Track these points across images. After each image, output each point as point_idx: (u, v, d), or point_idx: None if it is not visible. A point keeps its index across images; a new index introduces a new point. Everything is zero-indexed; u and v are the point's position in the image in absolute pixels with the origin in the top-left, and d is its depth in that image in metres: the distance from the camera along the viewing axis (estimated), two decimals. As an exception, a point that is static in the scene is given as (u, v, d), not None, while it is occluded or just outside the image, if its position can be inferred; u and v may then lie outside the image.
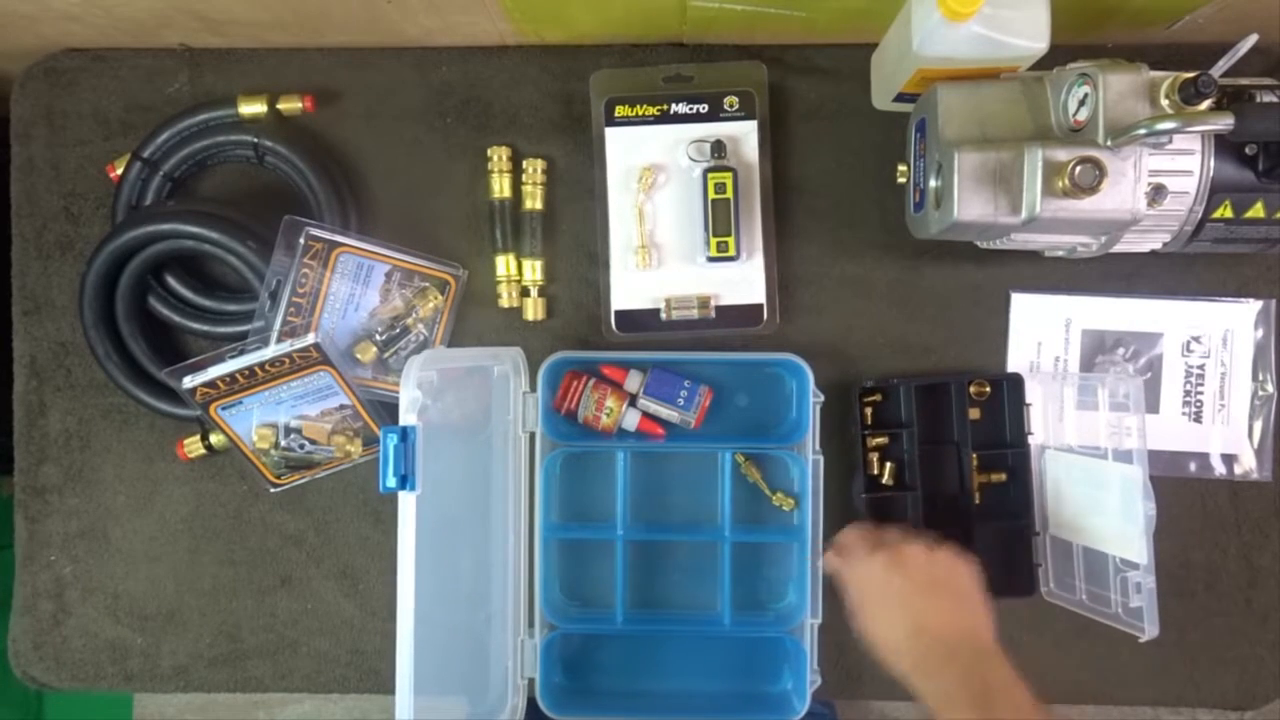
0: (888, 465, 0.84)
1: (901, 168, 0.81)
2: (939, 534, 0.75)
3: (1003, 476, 0.83)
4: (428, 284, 0.84)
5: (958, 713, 0.62)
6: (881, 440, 0.84)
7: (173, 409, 0.83)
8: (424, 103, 0.87)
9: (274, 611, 0.87)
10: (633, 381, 0.83)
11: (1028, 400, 0.83)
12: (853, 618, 0.71)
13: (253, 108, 0.83)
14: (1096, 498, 0.79)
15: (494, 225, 0.85)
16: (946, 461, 0.84)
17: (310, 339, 0.78)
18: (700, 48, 0.86)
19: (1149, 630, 0.74)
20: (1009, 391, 0.83)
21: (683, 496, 0.85)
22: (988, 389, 0.84)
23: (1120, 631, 0.76)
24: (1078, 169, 0.65)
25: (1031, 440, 0.83)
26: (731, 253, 0.82)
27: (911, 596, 0.68)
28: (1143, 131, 0.64)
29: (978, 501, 0.83)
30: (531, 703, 0.82)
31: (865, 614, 0.70)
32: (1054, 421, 0.84)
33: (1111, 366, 0.85)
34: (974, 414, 0.83)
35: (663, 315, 0.84)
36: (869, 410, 0.84)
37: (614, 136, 0.84)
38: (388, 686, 0.85)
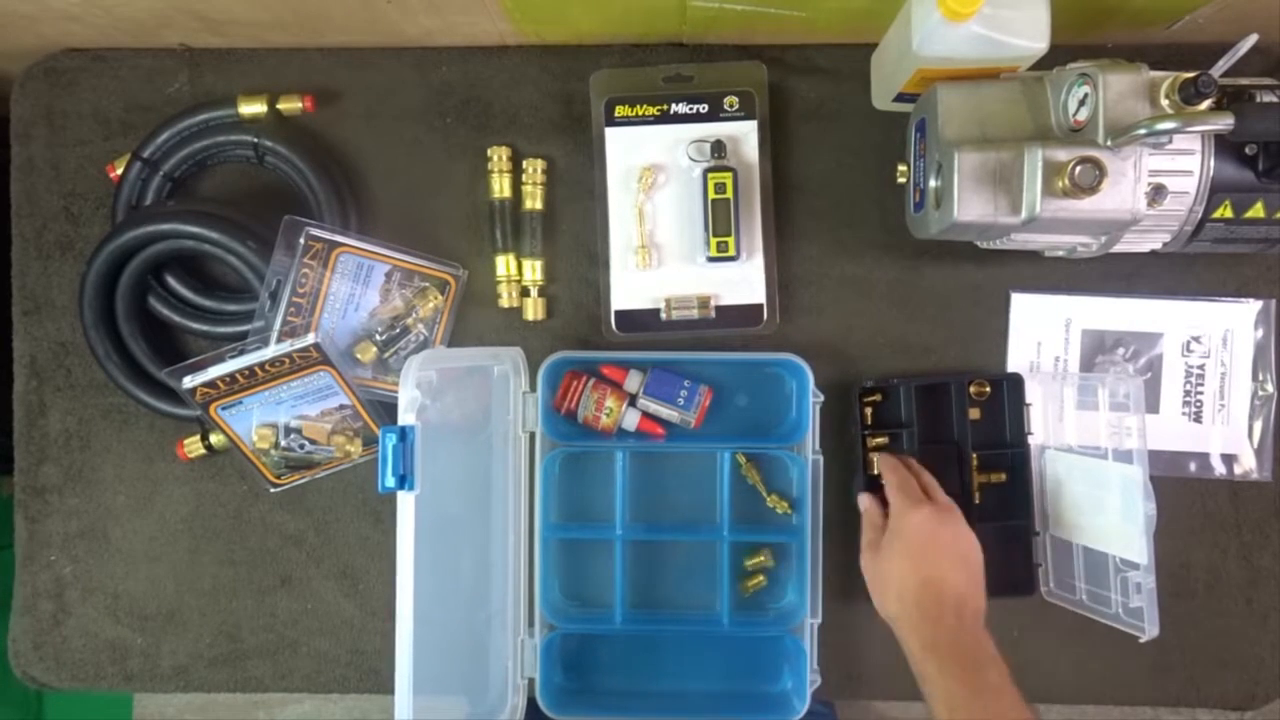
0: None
1: (901, 168, 0.81)
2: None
3: (1003, 476, 0.83)
4: (428, 284, 0.84)
5: (942, 661, 0.66)
6: (881, 440, 0.84)
7: (173, 409, 0.83)
8: (424, 103, 0.87)
9: (274, 611, 0.87)
10: (633, 381, 0.83)
11: (1028, 400, 0.83)
12: (867, 550, 0.75)
13: (253, 108, 0.83)
14: (1097, 497, 0.79)
15: (494, 225, 0.85)
16: (946, 461, 0.84)
17: (310, 339, 0.78)
18: (700, 48, 0.86)
19: (1149, 630, 0.74)
20: (1009, 391, 0.83)
21: (682, 496, 0.85)
22: (988, 389, 0.84)
23: (1120, 631, 0.76)
24: (1078, 169, 0.65)
25: (1031, 440, 0.83)
26: (731, 253, 0.82)
27: (936, 553, 0.71)
28: (1143, 131, 0.64)
29: (978, 501, 0.83)
30: (531, 703, 0.82)
31: (887, 551, 0.73)
32: (1054, 421, 0.84)
33: (1111, 366, 0.85)
34: (974, 414, 0.83)
35: (663, 315, 0.84)
36: (869, 410, 0.84)
37: (614, 136, 0.84)
38: (388, 686, 0.85)
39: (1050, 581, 0.83)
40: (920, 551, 0.72)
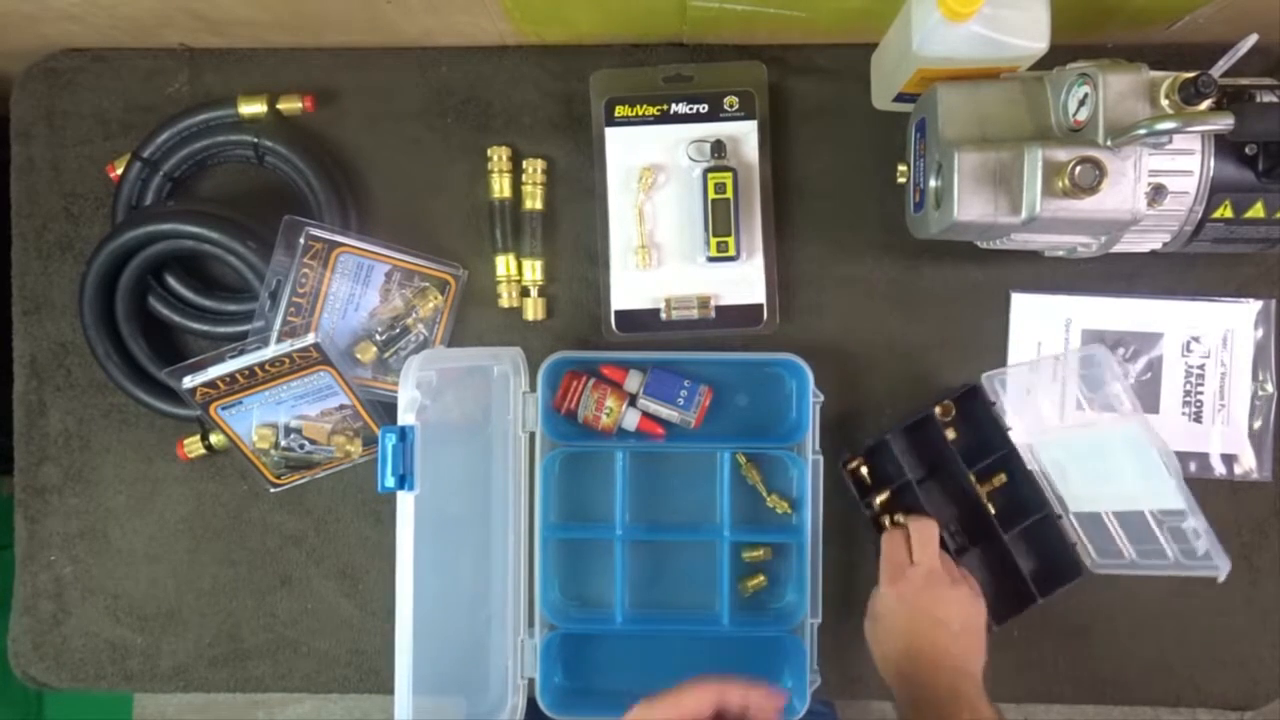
0: (899, 517, 0.82)
1: (901, 168, 0.81)
2: (964, 569, 0.80)
3: (1003, 477, 0.83)
4: (428, 284, 0.84)
5: (920, 714, 0.70)
6: (885, 497, 0.83)
7: (173, 409, 0.83)
8: (424, 103, 0.87)
9: (274, 611, 0.87)
10: (632, 381, 0.83)
11: (990, 399, 0.82)
12: (866, 619, 0.79)
13: (253, 108, 0.83)
14: (1102, 467, 0.78)
15: (494, 225, 0.85)
16: (951, 489, 0.84)
17: (310, 339, 0.78)
18: (700, 48, 0.86)
19: (1222, 566, 0.72)
20: (976, 401, 0.83)
21: (682, 496, 0.85)
22: (952, 406, 0.83)
23: (1120, 631, 0.76)
24: (1078, 169, 0.65)
25: (1014, 436, 0.82)
26: (731, 253, 0.82)
27: (915, 624, 0.75)
28: (1143, 131, 0.64)
29: (994, 512, 0.82)
30: (531, 703, 0.82)
31: (875, 626, 0.78)
32: (1031, 417, 0.83)
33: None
34: (950, 434, 0.83)
35: (663, 315, 0.84)
36: (865, 471, 0.83)
37: (614, 136, 0.84)
38: (388, 686, 0.85)
39: (1092, 554, 0.82)
40: (894, 626, 0.76)
